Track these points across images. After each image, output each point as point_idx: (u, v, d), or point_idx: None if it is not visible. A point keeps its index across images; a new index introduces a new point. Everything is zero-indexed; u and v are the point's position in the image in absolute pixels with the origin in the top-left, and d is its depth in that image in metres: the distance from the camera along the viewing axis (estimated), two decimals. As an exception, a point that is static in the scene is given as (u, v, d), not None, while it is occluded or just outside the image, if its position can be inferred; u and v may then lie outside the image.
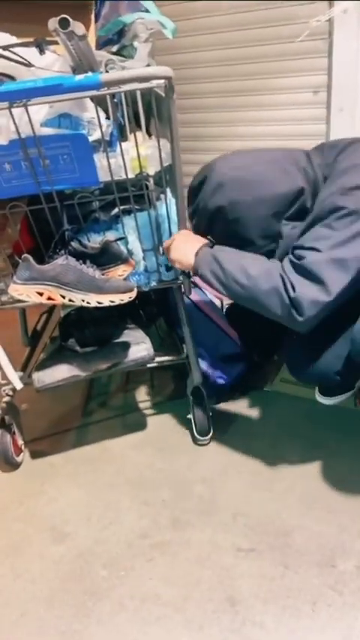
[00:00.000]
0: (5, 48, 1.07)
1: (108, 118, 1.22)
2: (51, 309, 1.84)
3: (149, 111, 1.33)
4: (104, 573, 1.19)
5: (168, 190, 1.33)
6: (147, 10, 1.46)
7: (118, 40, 1.45)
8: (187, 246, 1.26)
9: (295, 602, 1.08)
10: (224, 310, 1.87)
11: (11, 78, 1.15)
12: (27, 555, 1.26)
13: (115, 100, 1.26)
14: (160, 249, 1.37)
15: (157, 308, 1.77)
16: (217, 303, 1.89)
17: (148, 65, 1.39)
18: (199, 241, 1.26)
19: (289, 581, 1.12)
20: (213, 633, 1.05)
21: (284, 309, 1.13)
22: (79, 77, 0.98)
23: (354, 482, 1.33)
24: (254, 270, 1.16)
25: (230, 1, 1.88)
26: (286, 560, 1.17)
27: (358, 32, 1.71)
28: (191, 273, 1.31)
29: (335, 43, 1.77)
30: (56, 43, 1.11)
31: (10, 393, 1.48)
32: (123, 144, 1.23)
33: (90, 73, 1.02)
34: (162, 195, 1.34)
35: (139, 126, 1.24)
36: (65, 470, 1.49)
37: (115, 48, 1.44)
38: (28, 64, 1.09)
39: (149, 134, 1.38)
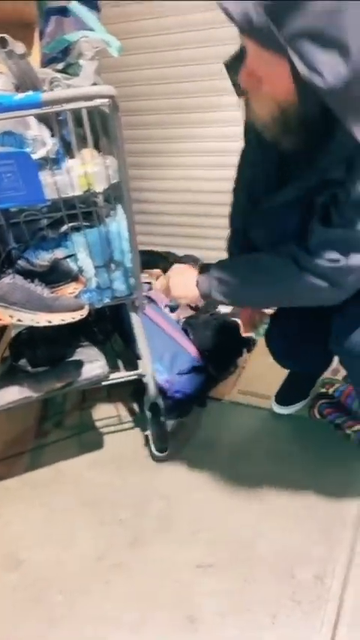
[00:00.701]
0: None
1: (54, 135, 1.21)
2: (1, 329, 1.80)
3: (96, 129, 1.33)
4: (60, 598, 1.16)
5: (118, 207, 1.33)
6: (92, 29, 1.47)
7: (63, 57, 1.45)
8: (185, 279, 1.22)
9: (255, 616, 1.08)
10: (180, 324, 1.88)
11: None
12: (-20, 586, 1.21)
13: (61, 118, 1.25)
14: (112, 265, 1.36)
15: (111, 324, 1.76)
16: (174, 317, 1.90)
17: (95, 83, 1.39)
18: (193, 271, 1.22)
19: (248, 594, 1.12)
20: (173, 654, 1.03)
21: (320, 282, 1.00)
22: (19, 96, 0.97)
23: (310, 492, 1.35)
24: (264, 263, 1.09)
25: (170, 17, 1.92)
26: (246, 573, 1.17)
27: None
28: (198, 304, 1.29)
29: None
30: (-2, 61, 1.10)
31: None
32: (70, 161, 1.22)
33: (31, 92, 1.01)
34: (112, 212, 1.33)
35: (85, 143, 1.24)
36: (20, 493, 1.45)
37: (60, 65, 1.44)
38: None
39: (99, 150, 1.38)
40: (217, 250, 2.27)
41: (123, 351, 1.80)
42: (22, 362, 1.41)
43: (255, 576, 1.16)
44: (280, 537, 1.24)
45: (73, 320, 1.20)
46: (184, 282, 1.22)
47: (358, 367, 1.21)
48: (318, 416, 1.49)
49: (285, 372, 1.69)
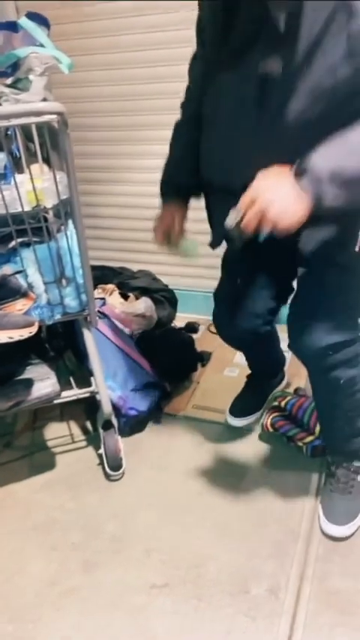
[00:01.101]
0: None
1: (2, 150, 1.19)
2: None
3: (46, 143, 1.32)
4: (10, 628, 1.11)
5: (69, 222, 1.32)
6: (42, 45, 1.47)
7: (12, 72, 1.44)
8: (282, 187, 0.88)
9: (210, 635, 1.07)
10: (134, 339, 1.87)
11: None
12: None
13: (9, 133, 1.24)
14: (63, 281, 1.34)
15: (64, 340, 1.73)
16: (128, 332, 1.88)
17: (44, 98, 1.38)
18: (286, 174, 0.89)
19: (202, 613, 1.11)
20: None
21: None
22: (-36, 110, 0.95)
23: (263, 506, 1.36)
24: None
25: (127, 35, 1.94)
26: (200, 592, 1.16)
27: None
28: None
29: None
30: None
31: None
32: (19, 176, 1.21)
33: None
34: (63, 227, 1.32)
35: (34, 158, 1.23)
36: (-34, 520, 1.39)
37: (9, 80, 1.42)
38: None
39: (49, 165, 1.37)
40: (171, 265, 2.30)
41: (76, 367, 1.77)
42: (-31, 381, 1.36)
43: (208, 595, 1.15)
44: (233, 553, 1.24)
45: (21, 337, 1.17)
46: (281, 190, 0.88)
47: (317, 369, 1.21)
48: (271, 429, 1.51)
49: (239, 386, 1.71)
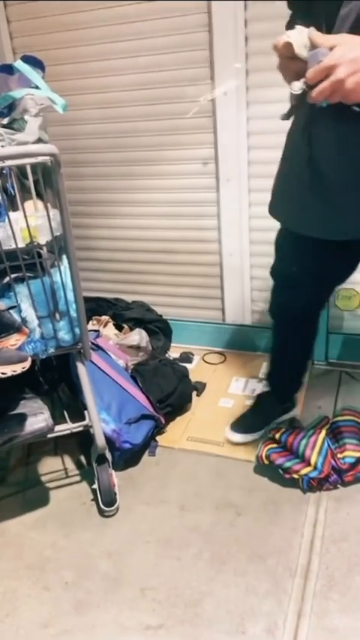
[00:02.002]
0: None
1: (-4, 188, 1.22)
2: None
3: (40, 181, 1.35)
4: None
5: (63, 257, 1.34)
6: (37, 87, 1.51)
7: (8, 113, 1.48)
8: None
9: None
10: (128, 371, 1.87)
11: None
12: None
13: (4, 172, 1.26)
14: (57, 315, 1.35)
15: (58, 373, 1.72)
16: (122, 364, 1.89)
17: (39, 138, 1.42)
18: None
19: (198, 656, 1.08)
20: None
21: None
22: None
23: (258, 540, 1.34)
24: None
25: (120, 77, 2.01)
26: (196, 632, 1.13)
27: (237, 111, 1.88)
28: None
29: (218, 120, 1.93)
30: None
31: None
32: (13, 214, 1.23)
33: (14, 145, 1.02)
34: (56, 262, 1.34)
35: (28, 196, 1.25)
36: None
37: (5, 120, 1.46)
38: None
39: (43, 201, 1.39)
40: (165, 296, 2.31)
41: (70, 400, 1.76)
42: None
43: (205, 635, 1.12)
44: (231, 589, 1.21)
45: (14, 373, 1.18)
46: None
47: None
48: (266, 461, 1.50)
49: (234, 417, 1.71)
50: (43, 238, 1.22)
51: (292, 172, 1.23)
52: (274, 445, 1.53)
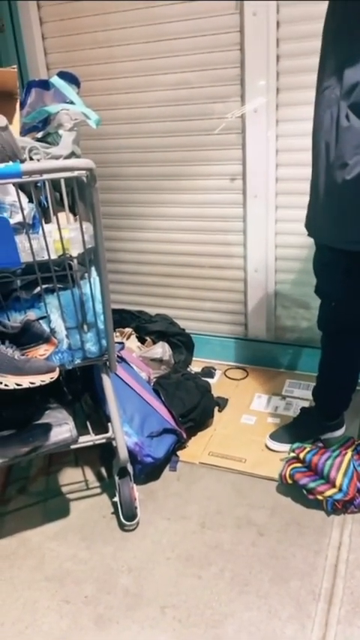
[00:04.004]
0: None
1: (31, 201, 1.24)
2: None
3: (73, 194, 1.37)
4: None
5: (92, 269, 1.35)
6: (72, 102, 1.54)
7: (43, 127, 1.51)
8: None
9: None
10: (151, 384, 1.87)
11: None
12: None
13: (39, 185, 1.29)
14: (85, 326, 1.36)
15: (82, 384, 1.73)
16: (145, 377, 1.89)
17: (73, 152, 1.45)
18: None
19: None
20: None
21: None
22: (0, 166, 1.00)
23: (281, 562, 1.31)
24: None
25: (152, 92, 2.04)
26: (217, 654, 1.11)
27: (267, 128, 1.90)
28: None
29: (248, 137, 1.94)
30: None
31: None
32: (47, 226, 1.25)
33: (11, 163, 1.04)
34: (86, 275, 1.35)
35: (61, 208, 1.27)
36: (-22, 568, 1.36)
37: (40, 134, 1.49)
38: None
39: (75, 214, 1.41)
40: (188, 310, 2.32)
41: (93, 411, 1.77)
42: (-12, 425, 1.36)
43: (227, 658, 1.10)
44: (253, 612, 1.19)
45: (42, 383, 1.18)
46: None
47: None
48: (290, 480, 1.48)
49: (257, 434, 1.69)
50: (75, 251, 1.23)
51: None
52: (298, 465, 1.50)
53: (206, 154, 2.06)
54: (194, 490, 1.58)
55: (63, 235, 1.19)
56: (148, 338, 2.15)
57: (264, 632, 1.15)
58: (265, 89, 1.85)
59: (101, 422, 1.64)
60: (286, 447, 1.64)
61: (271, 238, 2.05)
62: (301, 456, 1.50)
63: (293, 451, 1.53)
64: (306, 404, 1.82)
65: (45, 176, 1.07)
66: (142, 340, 2.14)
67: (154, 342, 2.12)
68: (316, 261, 1.48)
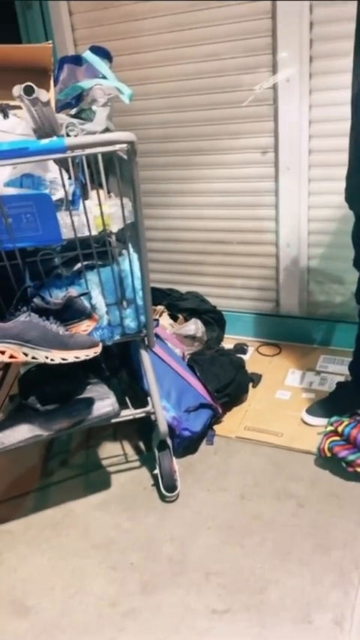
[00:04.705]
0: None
1: (70, 177, 1.24)
2: (6, 367, 1.79)
3: (110, 170, 1.37)
4: (73, 649, 1.12)
5: (129, 246, 1.36)
6: (104, 77, 1.53)
7: (76, 103, 1.51)
8: None
9: (275, 665, 1.05)
10: (186, 361, 1.88)
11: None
12: (-14, 635, 1.17)
13: (77, 161, 1.29)
14: (124, 302, 1.38)
15: (119, 361, 1.75)
16: (179, 353, 1.90)
17: (107, 128, 1.45)
18: None
19: (266, 642, 1.09)
20: None
21: None
22: (45, 141, 1.00)
23: (321, 532, 1.33)
24: None
25: (179, 65, 2.01)
26: (262, 619, 1.14)
27: (300, 99, 1.85)
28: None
29: (280, 108, 1.91)
30: (19, 107, 1.14)
31: (-34, 456, 1.41)
32: (87, 202, 1.26)
33: (55, 138, 1.05)
34: (124, 251, 1.36)
35: (100, 185, 1.27)
36: (25, 537, 1.41)
37: (73, 111, 1.49)
38: (-6, 128, 1.11)
39: (107, 192, 1.42)
40: (219, 287, 2.31)
41: (128, 387, 1.79)
42: (32, 400, 1.40)
43: (271, 623, 1.13)
44: (296, 579, 1.21)
45: (87, 357, 1.21)
46: None
47: None
48: (328, 453, 1.49)
49: (292, 409, 1.70)
50: (115, 226, 1.24)
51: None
52: (337, 438, 1.51)
53: (237, 127, 2.03)
54: (232, 463, 1.60)
55: (104, 211, 1.19)
56: (179, 315, 2.16)
57: (308, 598, 1.17)
58: (298, 58, 1.81)
59: (138, 397, 1.67)
60: (322, 421, 1.64)
61: (304, 212, 2.02)
62: (340, 429, 1.50)
63: (331, 424, 1.53)
64: (341, 379, 1.81)
65: (87, 151, 1.07)
66: (174, 318, 2.16)
67: (186, 320, 2.13)
68: (356, 233, 1.46)
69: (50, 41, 1.40)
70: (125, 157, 1.13)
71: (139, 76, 2.07)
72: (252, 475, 1.54)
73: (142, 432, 1.73)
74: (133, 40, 2.04)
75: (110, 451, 1.71)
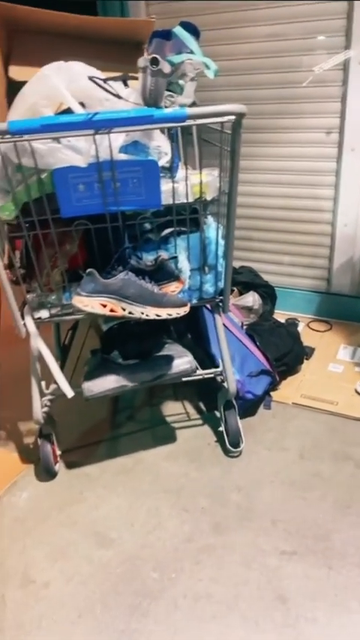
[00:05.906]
0: (105, 80, 1.18)
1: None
2: (75, 326, 1.90)
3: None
4: (155, 575, 1.24)
5: (212, 215, 1.44)
6: (192, 52, 1.60)
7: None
8: None
9: (343, 600, 1.16)
10: (244, 330, 1.98)
11: (82, 106, 1.24)
12: (75, 559, 1.29)
13: (173, 132, 1.37)
14: (206, 268, 1.47)
15: (184, 325, 1.85)
16: (238, 323, 1.99)
17: (194, 102, 1.52)
18: None
19: (334, 580, 1.20)
20: (268, 629, 1.11)
21: None
22: (168, 110, 1.08)
23: (381, 491, 1.43)
24: None
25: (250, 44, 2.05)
26: (329, 561, 1.25)
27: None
28: None
29: (350, 89, 1.95)
30: (136, 78, 1.22)
31: (49, 403, 1.53)
32: (182, 171, 1.34)
33: (177, 107, 1.12)
34: (209, 219, 1.44)
35: (200, 157, 1.35)
36: (102, 480, 1.54)
37: (163, 84, 1.56)
38: (118, 96, 1.19)
39: (185, 164, 1.49)
40: (269, 263, 2.39)
41: (191, 350, 1.89)
42: (114, 354, 1.50)
43: (338, 565, 1.23)
44: (356, 532, 1.31)
45: (177, 315, 1.31)
46: None
47: None
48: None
49: (346, 381, 1.78)
50: (210, 195, 1.32)
51: None
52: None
53: (301, 107, 2.08)
54: (290, 427, 1.70)
55: (202, 179, 1.28)
56: (235, 288, 2.25)
57: (370, 547, 1.27)
58: (375, 41, 1.85)
59: (202, 360, 1.77)
60: None
61: (365, 193, 2.08)
62: None
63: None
64: None
65: (198, 121, 1.15)
66: (229, 290, 2.24)
67: (241, 293, 2.21)
68: None
69: (154, 15, 1.47)
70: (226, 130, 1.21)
71: (208, 53, 2.12)
72: (310, 438, 1.65)
73: (200, 394, 1.84)
74: (205, 17, 2.08)
75: (173, 409, 1.82)
